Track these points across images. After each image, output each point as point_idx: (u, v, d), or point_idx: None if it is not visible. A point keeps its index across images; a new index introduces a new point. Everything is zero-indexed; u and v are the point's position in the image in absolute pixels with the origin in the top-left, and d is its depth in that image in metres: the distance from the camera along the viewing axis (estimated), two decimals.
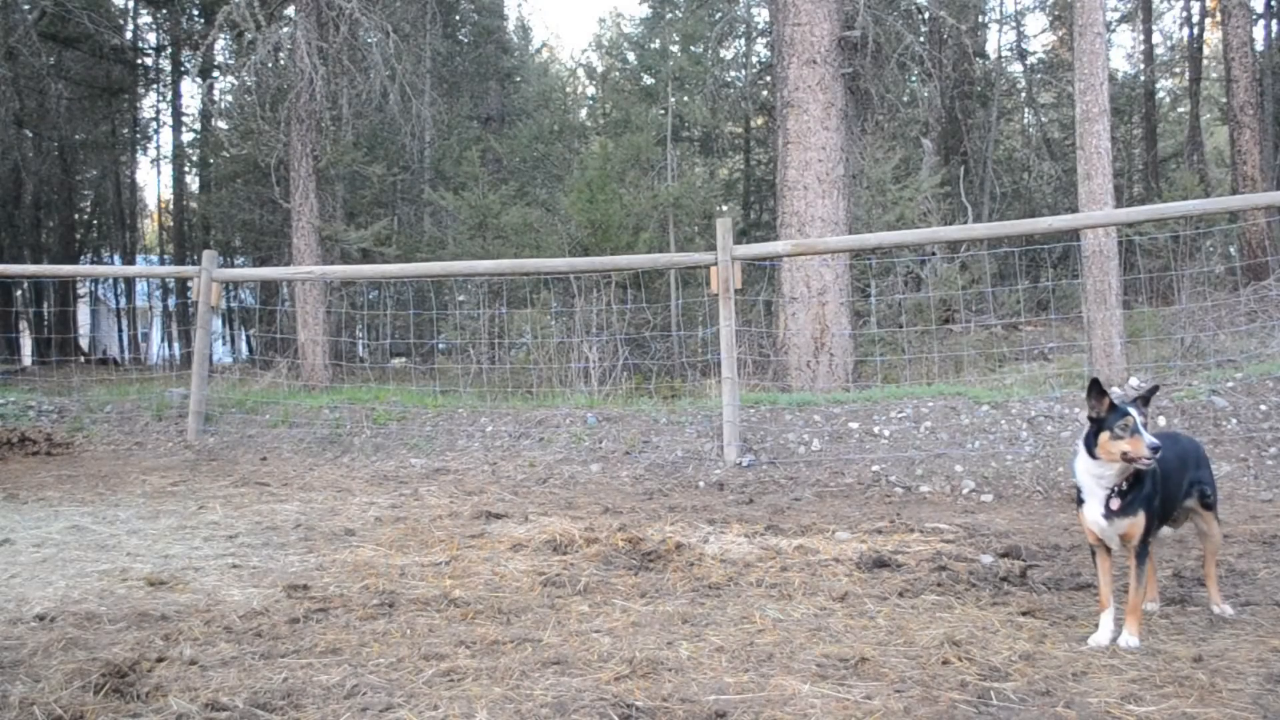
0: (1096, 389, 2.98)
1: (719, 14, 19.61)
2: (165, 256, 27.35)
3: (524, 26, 28.93)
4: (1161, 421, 6.07)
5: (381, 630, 3.25)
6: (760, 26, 21.03)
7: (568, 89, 24.89)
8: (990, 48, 24.16)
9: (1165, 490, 3.05)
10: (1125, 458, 2.89)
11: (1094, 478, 3.00)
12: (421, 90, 15.80)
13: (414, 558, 4.27)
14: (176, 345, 22.07)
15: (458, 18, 22.35)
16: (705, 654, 2.98)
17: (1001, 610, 3.39)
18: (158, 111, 25.74)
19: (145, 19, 23.33)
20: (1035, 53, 24.22)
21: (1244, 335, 8.89)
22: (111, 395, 9.03)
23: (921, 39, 15.27)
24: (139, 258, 27.35)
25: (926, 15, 16.02)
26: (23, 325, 22.03)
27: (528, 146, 18.00)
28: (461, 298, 13.53)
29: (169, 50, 23.36)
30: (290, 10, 13.26)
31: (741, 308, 8.88)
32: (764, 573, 3.93)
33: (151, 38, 23.90)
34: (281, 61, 13.20)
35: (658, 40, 21.30)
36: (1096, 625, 3.05)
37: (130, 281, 24.40)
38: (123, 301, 24.89)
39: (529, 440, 7.10)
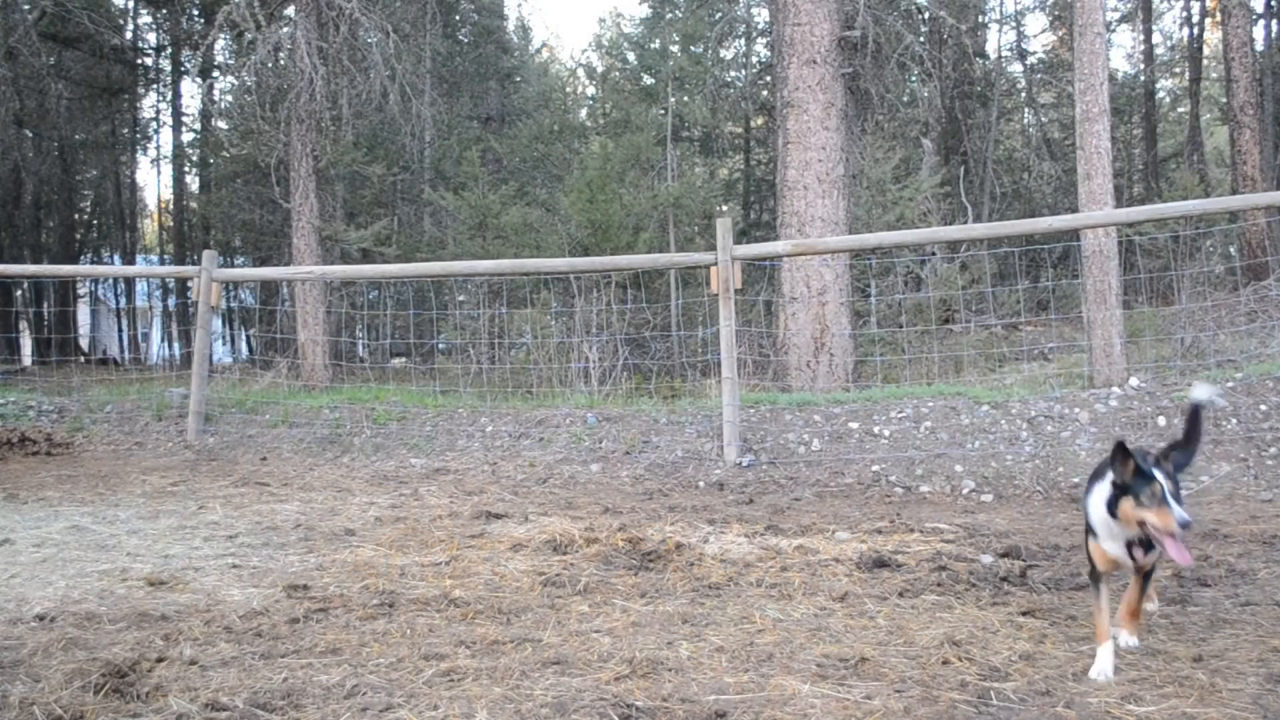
0: (1122, 453, 2.70)
1: (719, 14, 19.61)
2: (165, 256, 27.35)
3: (524, 26, 28.96)
4: (1161, 422, 6.07)
5: (381, 630, 3.25)
6: (760, 26, 21.03)
7: (568, 89, 24.91)
8: (990, 48, 24.16)
9: None
10: (1148, 529, 2.64)
11: (1111, 534, 2.80)
12: (421, 90, 15.80)
13: (414, 558, 4.27)
14: (176, 345, 22.07)
15: (458, 18, 22.35)
16: (705, 654, 2.98)
17: (1001, 610, 3.39)
18: (158, 111, 25.75)
19: (145, 19, 23.34)
20: (1035, 53, 24.22)
21: (1244, 335, 8.89)
22: (111, 395, 9.03)
23: (921, 39, 15.27)
24: (139, 258, 27.34)
25: (926, 15, 16.01)
26: (23, 325, 22.03)
27: (528, 146, 18.00)
28: (461, 298, 13.53)
29: (169, 50, 23.36)
30: (290, 10, 13.26)
31: (741, 308, 8.89)
32: (764, 573, 3.93)
33: (151, 38, 23.90)
34: (281, 61, 13.20)
35: (658, 40, 21.29)
36: (1095, 654, 2.81)
37: (130, 281, 24.39)
38: (123, 301, 24.88)
39: (529, 440, 7.10)
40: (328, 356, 11.78)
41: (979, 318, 11.09)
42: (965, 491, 5.83)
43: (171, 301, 23.36)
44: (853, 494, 5.88)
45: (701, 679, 2.76)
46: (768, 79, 19.97)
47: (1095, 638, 2.83)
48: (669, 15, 21.78)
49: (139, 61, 22.99)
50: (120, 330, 25.30)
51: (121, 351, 23.70)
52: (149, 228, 32.43)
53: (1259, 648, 2.92)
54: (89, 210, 25.62)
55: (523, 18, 34.84)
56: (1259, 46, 16.88)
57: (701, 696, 2.62)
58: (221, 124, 20.74)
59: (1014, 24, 24.22)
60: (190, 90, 27.44)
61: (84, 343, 24.72)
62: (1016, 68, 23.61)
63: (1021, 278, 11.38)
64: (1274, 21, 18.50)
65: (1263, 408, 6.05)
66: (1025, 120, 24.96)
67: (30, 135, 19.41)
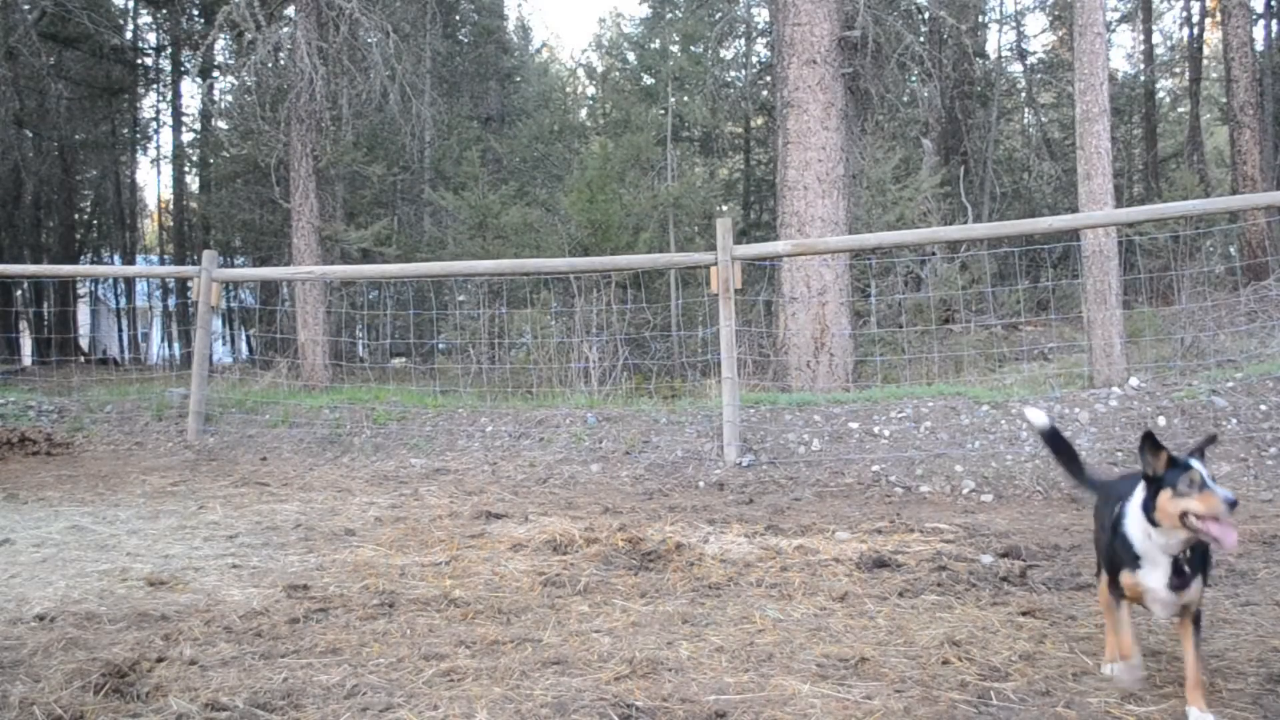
0: (1151, 442, 2.47)
1: (719, 14, 19.62)
2: (165, 256, 27.35)
3: (524, 26, 28.96)
4: (1161, 422, 6.07)
5: (381, 630, 3.25)
6: (760, 26, 21.03)
7: (568, 89, 24.91)
8: (990, 48, 24.17)
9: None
10: (1190, 520, 2.37)
11: (1158, 547, 2.46)
12: (421, 90, 15.80)
13: (414, 558, 4.27)
14: (176, 345, 22.07)
15: (458, 18, 22.36)
16: (705, 654, 2.98)
17: (1001, 610, 3.39)
18: (158, 111, 25.76)
19: (145, 19, 23.35)
20: (1035, 53, 24.23)
21: (1244, 335, 8.89)
22: (111, 395, 9.03)
23: (921, 39, 15.27)
24: (139, 258, 27.35)
25: (926, 15, 16.01)
26: (23, 325, 22.02)
27: (528, 146, 18.01)
28: (461, 298, 13.53)
29: (169, 50, 23.37)
30: (290, 10, 13.26)
31: (741, 308, 8.88)
32: (764, 573, 3.93)
33: (151, 38, 23.92)
34: (281, 61, 13.20)
35: (658, 40, 21.30)
36: (1106, 662, 2.71)
37: (130, 281, 24.40)
38: (123, 301, 24.88)
39: (529, 440, 7.10)
40: (328, 356, 11.78)
41: (979, 318, 11.09)
42: (965, 491, 5.83)
43: (171, 301, 23.36)
44: (853, 494, 5.88)
45: (701, 679, 2.76)
46: (768, 79, 19.97)
47: (1119, 652, 2.60)
48: (669, 15, 21.79)
49: (139, 61, 23.00)
50: (120, 330, 25.31)
51: (121, 351, 23.70)
52: (149, 228, 32.44)
53: (1259, 648, 2.91)
54: (89, 210, 25.62)
55: (523, 18, 34.84)
56: (1259, 46, 16.88)
57: (701, 696, 2.62)
58: (221, 124, 20.76)
59: (1014, 24, 24.24)
60: (190, 90, 27.47)
61: (84, 343, 24.72)
62: (1016, 68, 23.62)
63: (1021, 278, 11.38)
64: (1274, 21, 18.51)
65: (1263, 408, 6.05)
66: (1025, 120, 24.96)
67: (30, 135, 19.41)
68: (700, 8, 20.71)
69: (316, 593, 3.70)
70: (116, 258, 25.30)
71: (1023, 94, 23.52)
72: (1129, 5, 23.95)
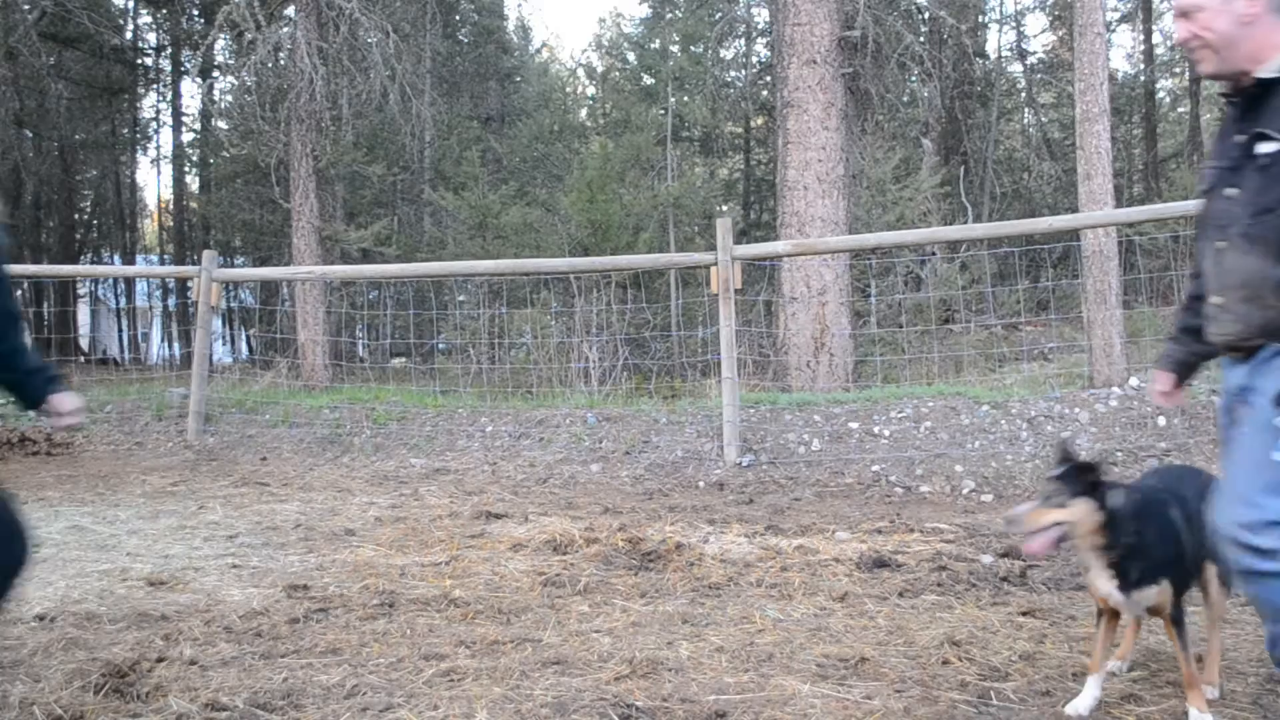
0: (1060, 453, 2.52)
1: (719, 14, 19.61)
2: (165, 256, 27.32)
3: (524, 26, 28.92)
4: (1161, 422, 6.07)
5: (381, 630, 3.25)
6: (760, 26, 21.02)
7: (568, 89, 24.90)
8: (990, 48, 24.15)
9: (1192, 539, 2.45)
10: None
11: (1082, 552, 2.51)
12: (421, 90, 15.79)
13: (414, 558, 4.27)
14: (176, 345, 22.05)
15: (458, 18, 22.34)
16: (705, 654, 2.98)
17: (1001, 610, 3.39)
18: (158, 111, 25.73)
19: (145, 19, 23.33)
20: (1035, 53, 24.21)
21: None
22: (111, 395, 9.02)
23: (921, 39, 15.26)
24: (139, 258, 27.32)
25: (926, 15, 16.01)
26: (22, 325, 21.98)
27: (528, 146, 18.01)
28: (461, 298, 13.53)
29: (169, 50, 23.35)
30: (290, 10, 13.26)
31: (741, 308, 8.88)
32: (764, 573, 3.93)
33: (151, 38, 23.90)
34: (281, 61, 13.20)
35: (658, 40, 21.30)
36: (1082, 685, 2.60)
37: (130, 281, 24.37)
38: (123, 301, 24.86)
39: (529, 440, 7.10)
40: (328, 356, 11.78)
41: (979, 318, 11.09)
42: (965, 491, 5.83)
43: (171, 301, 23.34)
44: (853, 494, 5.88)
45: (701, 679, 2.76)
46: (768, 79, 19.96)
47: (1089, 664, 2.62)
48: (669, 15, 21.79)
49: (139, 61, 22.98)
50: (120, 330, 25.30)
51: (121, 351, 23.69)
52: (149, 228, 32.42)
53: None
54: (89, 210, 25.61)
55: (523, 18, 34.77)
56: None
57: (701, 696, 2.62)
58: (221, 124, 20.74)
59: (1014, 24, 24.23)
60: (190, 90, 27.43)
61: (84, 343, 24.70)
62: (1016, 68, 23.61)
63: (1021, 278, 11.38)
64: None
65: None
66: (1025, 120, 24.95)
67: (30, 135, 19.40)
68: (700, 8, 20.71)
69: (316, 593, 3.70)
70: (116, 258, 25.29)
71: (1023, 94, 23.51)
72: (1129, 5, 23.94)
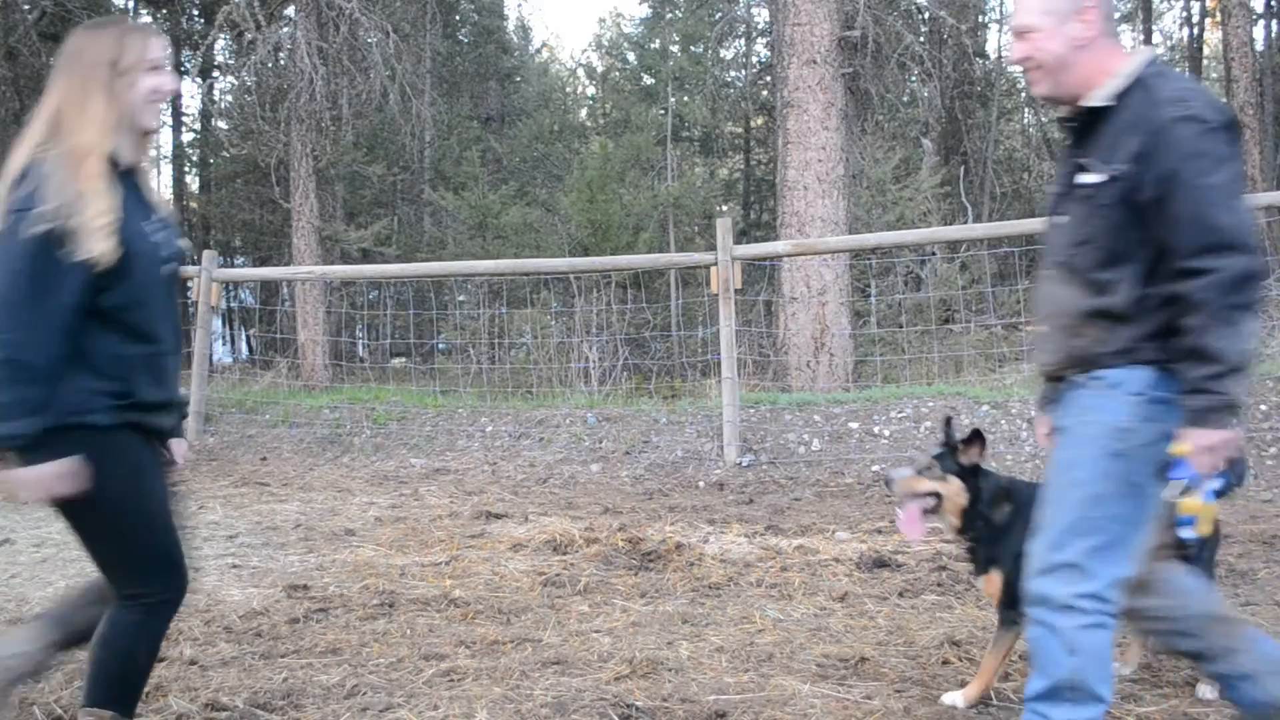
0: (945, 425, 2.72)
1: (719, 14, 19.60)
2: None
3: (524, 26, 28.88)
4: None
5: (381, 630, 3.25)
6: (760, 26, 21.01)
7: (568, 89, 24.89)
8: (990, 48, 24.13)
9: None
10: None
11: None
12: (421, 90, 15.78)
13: (414, 558, 4.27)
14: None
15: (458, 18, 22.33)
16: (705, 654, 2.98)
17: None
18: None
19: (145, 19, 23.34)
20: None
21: None
22: None
23: (921, 39, 15.27)
24: None
25: (926, 15, 16.02)
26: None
27: (528, 146, 18.00)
28: (461, 298, 13.52)
29: (169, 50, 23.36)
30: (290, 10, 13.26)
31: (741, 308, 8.88)
32: (764, 573, 3.93)
33: None
34: (281, 61, 13.19)
35: (658, 40, 21.29)
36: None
37: None
38: None
39: (529, 440, 7.10)
40: (328, 356, 11.77)
41: (979, 318, 11.08)
42: None
43: None
44: (853, 494, 5.88)
45: (701, 679, 2.76)
46: (768, 79, 19.96)
47: None
48: (669, 15, 21.77)
49: None
50: None
51: None
52: None
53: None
54: None
55: (523, 18, 34.72)
56: (1259, 46, 16.89)
57: (701, 696, 2.62)
58: (221, 124, 20.73)
59: None
60: (190, 90, 27.41)
61: None
62: (1017, 68, 23.58)
63: (1021, 278, 11.36)
64: (1274, 21, 18.52)
65: (1263, 408, 6.05)
66: (1025, 120, 24.94)
67: None
68: (700, 8, 20.70)
69: (316, 593, 3.71)
70: None
71: (1023, 94, 23.49)
72: (1129, 5, 23.96)
